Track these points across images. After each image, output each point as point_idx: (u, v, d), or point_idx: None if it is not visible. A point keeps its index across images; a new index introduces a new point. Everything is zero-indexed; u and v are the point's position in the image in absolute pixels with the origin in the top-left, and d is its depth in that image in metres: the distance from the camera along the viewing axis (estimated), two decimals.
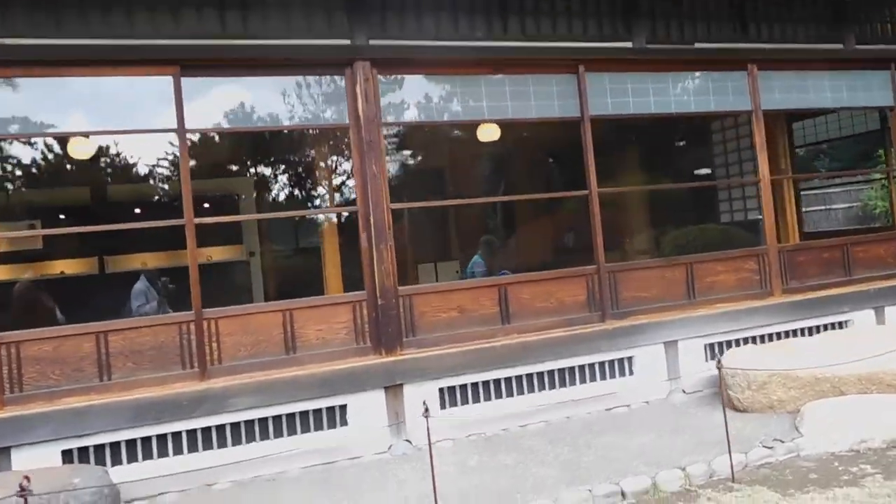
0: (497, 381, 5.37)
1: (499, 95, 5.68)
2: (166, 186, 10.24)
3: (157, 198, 10.41)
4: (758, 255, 6.25)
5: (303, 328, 4.99)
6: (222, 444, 4.66)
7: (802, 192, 14.43)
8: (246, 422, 4.72)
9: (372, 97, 5.19)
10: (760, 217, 8.40)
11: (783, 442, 4.46)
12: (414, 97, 5.53)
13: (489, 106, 5.65)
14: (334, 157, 8.71)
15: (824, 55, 6.79)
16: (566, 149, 6.92)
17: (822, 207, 13.79)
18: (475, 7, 5.59)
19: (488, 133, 8.47)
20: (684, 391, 5.83)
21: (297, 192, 11.77)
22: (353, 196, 5.52)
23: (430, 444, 3.70)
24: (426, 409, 3.56)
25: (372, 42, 5.26)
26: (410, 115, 5.51)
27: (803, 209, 14.73)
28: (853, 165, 13.38)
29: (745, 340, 6.12)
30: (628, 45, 6.05)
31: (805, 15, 6.75)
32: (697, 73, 6.39)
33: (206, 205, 8.48)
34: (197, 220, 4.83)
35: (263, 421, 4.77)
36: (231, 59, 4.96)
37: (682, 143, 10.49)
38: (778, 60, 6.59)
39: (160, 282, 6.79)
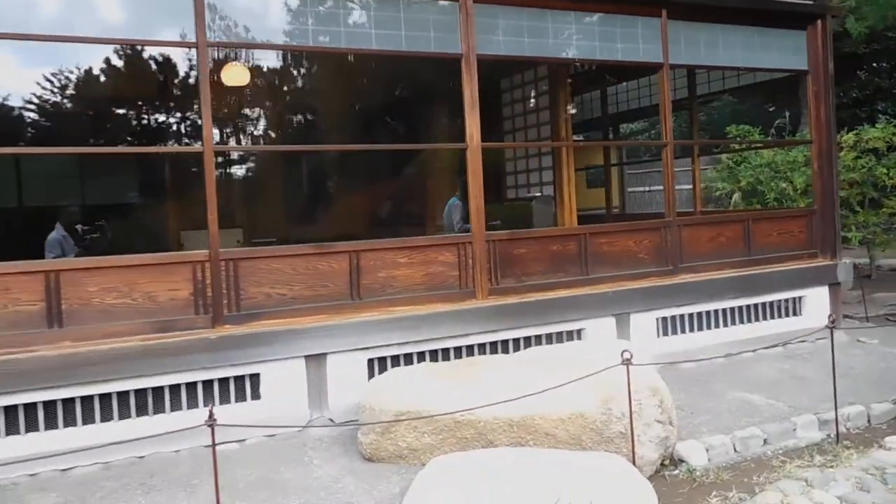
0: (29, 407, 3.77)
1: (360, 22, 4.56)
2: None
3: None
4: (457, 245, 4.80)
5: None
6: None
7: (651, 171, 13.46)
8: None
9: None
10: (539, 194, 7.09)
11: None
12: None
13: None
14: None
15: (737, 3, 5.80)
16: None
17: (644, 188, 12.72)
18: None
19: (235, 75, 6.81)
20: (332, 421, 4.38)
21: None
22: None
23: None
24: None
25: None
26: None
27: (650, 188, 13.80)
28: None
29: (434, 354, 4.71)
30: None
31: None
32: (603, 15, 5.37)
33: None
34: None
35: None
36: None
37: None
38: (689, 7, 5.59)
39: (80, 230, 5.98)
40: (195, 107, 9.20)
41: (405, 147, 8.92)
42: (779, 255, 6.19)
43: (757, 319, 6.06)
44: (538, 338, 5.04)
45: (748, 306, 6.01)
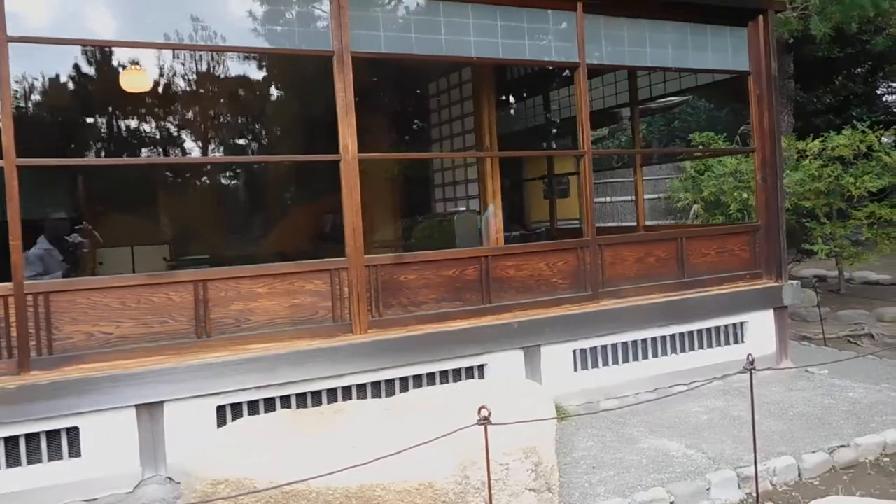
0: None
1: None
2: None
3: None
4: (330, 272, 4.15)
5: None
6: None
7: (614, 181, 12.87)
8: None
9: None
10: (462, 209, 6.49)
11: None
12: None
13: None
14: None
15: None
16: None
17: (605, 199, 12.13)
18: None
19: (134, 81, 6.21)
20: (171, 479, 3.74)
21: None
22: None
23: None
24: None
25: None
26: None
27: (612, 198, 13.20)
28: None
29: (303, 398, 4.05)
30: None
31: None
32: (506, 8, 4.71)
33: None
34: None
35: None
36: None
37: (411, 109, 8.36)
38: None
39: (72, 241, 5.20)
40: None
41: (272, 159, 8.34)
42: (718, 277, 5.60)
43: (692, 349, 5.45)
44: (431, 376, 4.41)
45: (682, 334, 5.41)
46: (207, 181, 9.91)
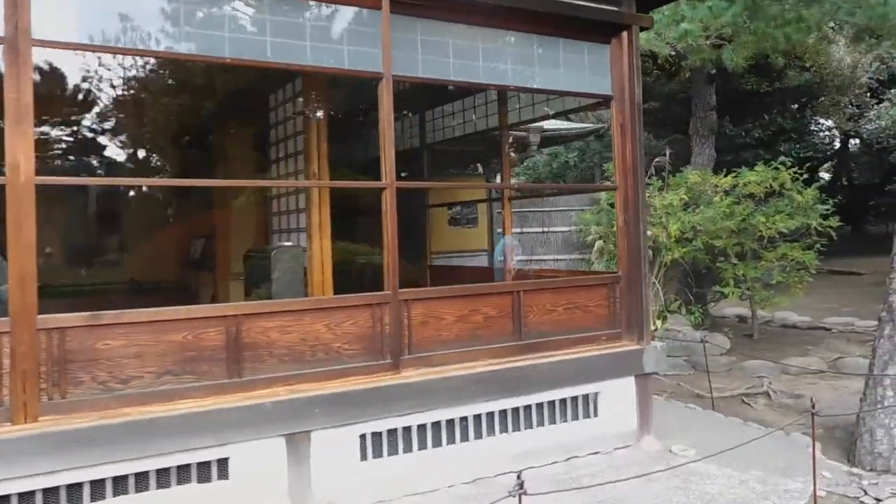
0: None
1: None
2: None
3: None
4: None
5: None
6: None
7: (525, 211, 12.00)
8: None
9: None
10: (287, 244, 5.44)
11: None
12: None
13: None
14: None
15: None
16: None
17: (540, 230, 11.23)
18: None
19: None
20: None
21: None
22: None
23: None
24: None
25: None
26: None
27: (522, 230, 12.33)
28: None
29: None
30: None
31: None
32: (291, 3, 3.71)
33: None
34: None
35: None
36: None
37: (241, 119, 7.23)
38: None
39: None
40: None
41: None
42: (566, 338, 4.63)
43: (529, 426, 4.45)
44: (142, 477, 3.29)
45: (517, 409, 4.41)
46: None
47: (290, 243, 5.57)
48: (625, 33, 4.82)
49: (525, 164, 15.40)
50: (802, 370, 8.28)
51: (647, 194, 10.16)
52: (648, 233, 9.46)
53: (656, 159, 10.82)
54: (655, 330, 9.93)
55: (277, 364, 3.67)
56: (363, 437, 3.86)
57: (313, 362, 3.76)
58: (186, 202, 8.56)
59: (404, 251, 7.98)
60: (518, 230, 11.88)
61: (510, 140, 9.77)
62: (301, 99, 5.54)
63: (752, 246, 9.53)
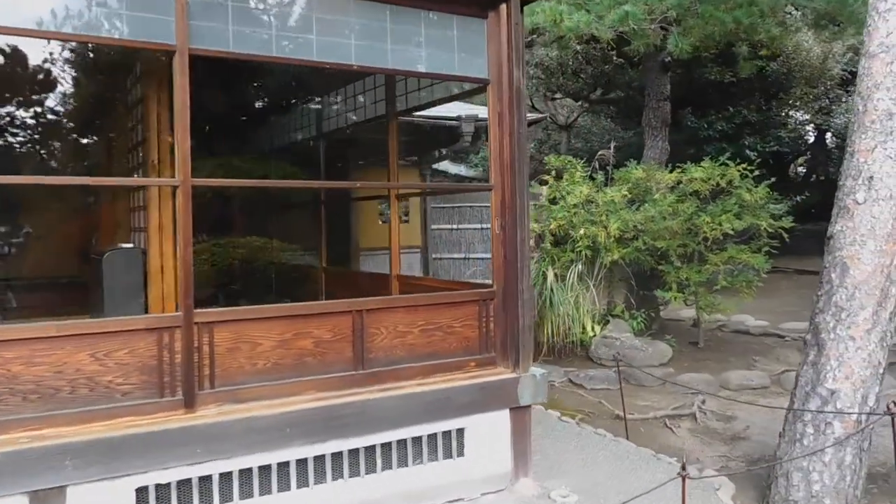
0: None
1: None
2: None
3: None
4: None
5: None
6: None
7: (463, 206, 11.32)
8: None
9: None
10: (121, 246, 4.72)
11: None
12: None
13: None
14: None
15: None
16: None
17: (451, 226, 10.52)
18: None
19: None
20: None
21: None
22: None
23: None
24: None
25: None
26: None
27: (459, 226, 11.64)
28: None
29: None
30: None
31: None
32: None
33: None
34: None
35: None
36: None
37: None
38: None
39: None
40: None
41: None
42: (424, 365, 3.93)
43: (373, 471, 3.76)
44: None
45: (355, 451, 3.71)
46: None
47: (128, 245, 4.83)
48: (503, 6, 4.09)
49: (481, 154, 14.64)
50: (742, 386, 7.66)
51: (590, 189, 9.51)
52: (583, 231, 8.84)
53: (599, 153, 10.12)
54: (594, 336, 9.30)
55: (21, 404, 2.95)
56: (143, 490, 3.16)
57: (72, 401, 3.05)
58: None
59: (331, 246, 7.29)
60: (455, 226, 11.21)
61: (428, 129, 9.07)
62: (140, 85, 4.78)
63: (697, 248, 8.88)
